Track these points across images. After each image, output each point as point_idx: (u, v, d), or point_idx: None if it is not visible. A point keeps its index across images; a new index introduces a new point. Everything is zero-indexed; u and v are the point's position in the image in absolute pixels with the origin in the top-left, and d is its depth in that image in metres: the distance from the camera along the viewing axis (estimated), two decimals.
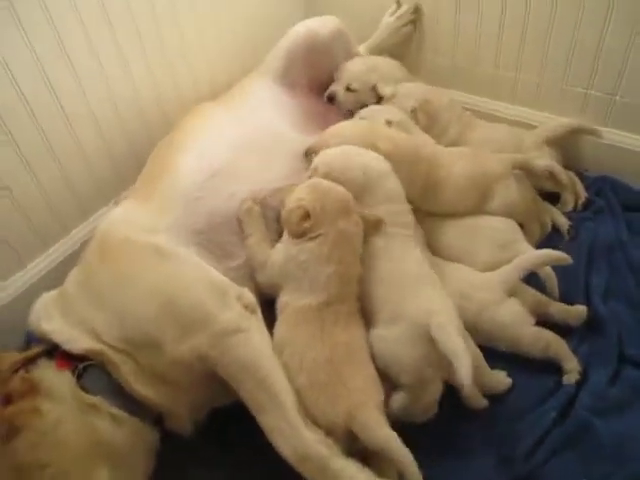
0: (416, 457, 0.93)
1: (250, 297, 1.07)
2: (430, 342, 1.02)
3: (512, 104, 1.66)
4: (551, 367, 1.17)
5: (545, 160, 1.46)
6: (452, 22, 1.65)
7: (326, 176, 1.16)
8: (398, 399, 1.04)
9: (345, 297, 1.09)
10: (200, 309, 1.03)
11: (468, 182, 1.36)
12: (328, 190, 1.13)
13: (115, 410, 1.01)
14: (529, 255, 1.26)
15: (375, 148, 1.25)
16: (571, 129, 1.56)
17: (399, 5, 1.73)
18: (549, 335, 1.17)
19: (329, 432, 0.95)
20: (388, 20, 1.76)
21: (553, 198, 1.52)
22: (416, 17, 1.72)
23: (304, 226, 1.08)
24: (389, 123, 1.43)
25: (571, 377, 1.14)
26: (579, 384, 1.13)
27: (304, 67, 1.58)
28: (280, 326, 1.06)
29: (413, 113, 1.49)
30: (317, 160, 1.21)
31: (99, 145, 1.45)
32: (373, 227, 1.16)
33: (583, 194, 1.52)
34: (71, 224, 1.45)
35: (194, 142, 1.29)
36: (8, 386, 0.98)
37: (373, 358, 1.07)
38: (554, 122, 1.58)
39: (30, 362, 1.03)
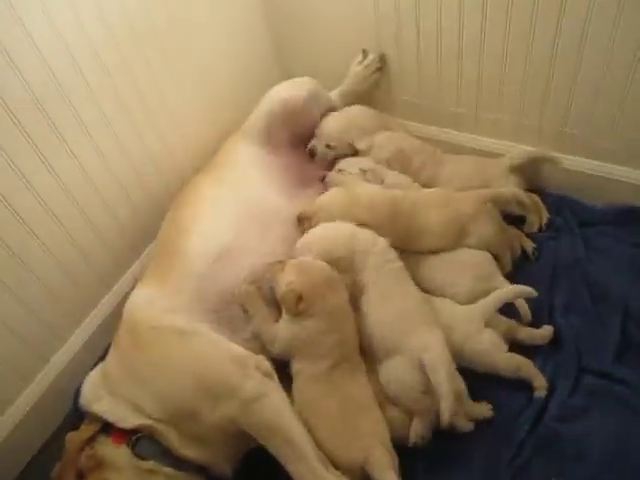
0: (412, 474, 1.21)
1: (266, 365, 1.25)
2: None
3: (475, 135, 1.82)
4: (523, 385, 1.36)
5: (510, 188, 1.64)
6: (415, 67, 1.78)
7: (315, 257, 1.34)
8: (416, 429, 1.25)
9: (348, 355, 1.28)
10: (226, 382, 1.21)
11: (445, 227, 1.52)
12: (312, 269, 1.30)
13: (168, 470, 1.21)
14: (505, 290, 1.43)
15: (356, 216, 1.44)
16: (533, 158, 1.72)
17: (366, 54, 1.83)
18: (519, 359, 1.36)
19: (348, 471, 1.15)
20: (356, 69, 1.87)
21: (519, 220, 1.69)
22: (382, 64, 1.83)
23: (300, 307, 1.25)
24: (364, 172, 1.61)
25: (540, 392, 1.34)
26: (546, 397, 1.33)
27: (284, 129, 1.72)
28: (296, 391, 1.25)
29: (388, 163, 1.66)
30: (303, 246, 1.39)
31: (108, 221, 1.59)
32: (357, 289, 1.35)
33: (546, 215, 1.69)
34: (97, 298, 1.62)
35: (196, 225, 1.45)
36: (78, 463, 1.18)
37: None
38: (517, 152, 1.74)
39: (91, 440, 1.24)
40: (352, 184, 1.56)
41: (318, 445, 1.18)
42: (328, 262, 1.33)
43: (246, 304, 1.33)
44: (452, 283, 1.49)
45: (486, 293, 1.43)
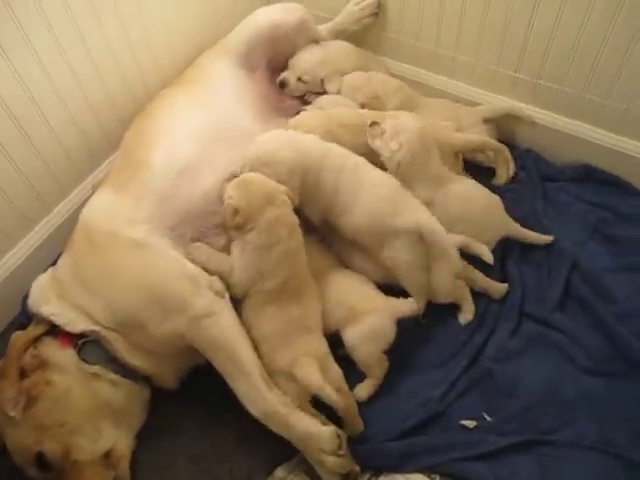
0: None
1: (219, 284, 1.26)
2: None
3: (451, 79, 1.81)
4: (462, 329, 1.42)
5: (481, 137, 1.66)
6: (398, 3, 1.74)
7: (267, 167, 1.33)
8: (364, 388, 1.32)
9: (297, 270, 1.29)
10: (177, 297, 1.22)
11: None
12: (251, 184, 1.29)
13: (112, 376, 1.24)
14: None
15: (335, 136, 1.46)
16: (507, 113, 1.73)
17: None
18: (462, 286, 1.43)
19: (288, 380, 1.20)
20: (352, 9, 1.82)
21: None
22: (378, 10, 1.78)
23: (237, 221, 1.25)
24: None
25: (467, 316, 1.42)
26: (486, 338, 1.40)
27: (265, 53, 1.67)
28: (247, 309, 1.27)
29: (361, 107, 1.63)
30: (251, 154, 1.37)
31: (71, 128, 1.54)
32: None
33: (513, 168, 1.72)
34: (52, 204, 1.58)
35: (162, 138, 1.41)
36: (22, 362, 1.19)
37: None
38: (492, 105, 1.75)
39: (36, 340, 1.24)
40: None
41: (259, 356, 1.23)
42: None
43: (197, 257, 1.31)
44: None
45: None
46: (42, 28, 1.37)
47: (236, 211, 1.25)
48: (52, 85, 1.45)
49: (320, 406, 1.23)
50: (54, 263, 1.38)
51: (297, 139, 1.41)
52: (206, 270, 1.28)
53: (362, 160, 1.43)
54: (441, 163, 1.50)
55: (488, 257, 1.42)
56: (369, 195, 1.38)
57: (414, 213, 1.38)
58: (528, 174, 1.72)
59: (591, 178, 1.71)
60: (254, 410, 1.18)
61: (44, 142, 1.48)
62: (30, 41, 1.35)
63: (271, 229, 1.26)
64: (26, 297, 1.34)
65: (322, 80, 1.71)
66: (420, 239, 1.36)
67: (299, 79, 1.72)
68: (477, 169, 1.69)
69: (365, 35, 1.86)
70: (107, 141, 1.64)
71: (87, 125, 1.58)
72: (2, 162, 1.40)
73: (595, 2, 1.42)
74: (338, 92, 1.69)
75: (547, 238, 1.53)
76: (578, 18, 1.46)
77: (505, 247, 1.54)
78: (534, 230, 1.56)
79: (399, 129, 1.43)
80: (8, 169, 1.42)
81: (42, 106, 1.44)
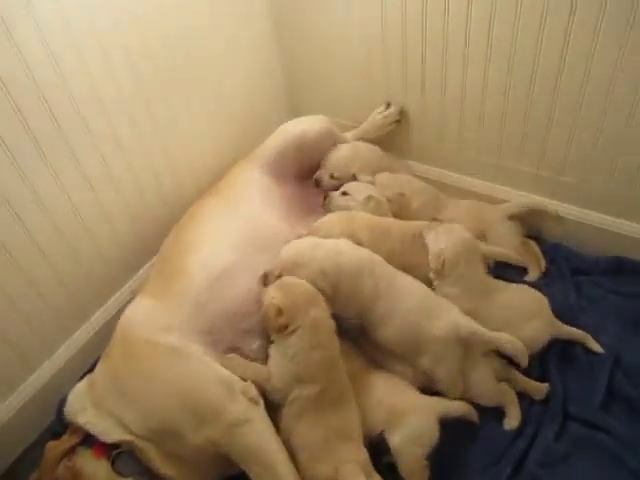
0: None
1: (254, 391, 1.25)
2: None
3: (474, 178, 1.87)
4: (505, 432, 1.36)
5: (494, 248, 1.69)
6: (419, 113, 1.87)
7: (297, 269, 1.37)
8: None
9: (335, 379, 1.29)
10: (212, 405, 1.22)
11: None
12: (293, 285, 1.33)
13: None
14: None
15: (356, 238, 1.49)
16: (531, 208, 1.77)
17: (388, 106, 1.92)
18: (506, 389, 1.39)
19: None
20: (376, 117, 1.94)
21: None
22: (400, 118, 1.91)
23: (280, 322, 1.27)
24: (369, 199, 1.66)
25: (512, 422, 1.36)
26: (530, 442, 1.33)
27: (293, 161, 1.79)
28: (286, 416, 1.26)
29: (388, 202, 1.69)
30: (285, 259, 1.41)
31: (109, 234, 1.62)
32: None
33: (543, 263, 1.72)
34: (89, 312, 1.63)
35: (197, 246, 1.47)
36: (56, 473, 1.18)
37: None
38: (516, 201, 1.79)
39: (71, 451, 1.23)
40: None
41: (296, 463, 1.20)
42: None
43: (234, 369, 1.31)
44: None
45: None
46: (89, 148, 1.48)
47: (280, 311, 1.27)
48: (96, 199, 1.54)
49: None
50: (90, 369, 1.39)
51: (331, 244, 1.45)
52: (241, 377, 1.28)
53: (399, 273, 1.46)
54: (486, 275, 1.53)
55: (524, 362, 1.38)
56: (404, 308, 1.39)
57: (449, 315, 1.38)
58: (558, 268, 1.72)
59: (623, 269, 1.69)
60: None
61: (87, 254, 1.57)
62: (79, 162, 1.46)
63: (315, 330, 1.27)
64: (61, 404, 1.35)
65: (353, 176, 1.79)
66: (457, 342, 1.35)
67: (331, 176, 1.81)
68: (507, 266, 1.69)
69: (388, 139, 1.96)
70: (143, 250, 1.71)
71: (125, 235, 1.67)
72: (46, 271, 1.46)
73: (610, 105, 1.48)
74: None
75: (597, 348, 1.49)
76: (597, 118, 1.52)
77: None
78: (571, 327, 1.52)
79: (450, 230, 1.50)
80: (49, 277, 1.48)
81: (86, 222, 1.54)
